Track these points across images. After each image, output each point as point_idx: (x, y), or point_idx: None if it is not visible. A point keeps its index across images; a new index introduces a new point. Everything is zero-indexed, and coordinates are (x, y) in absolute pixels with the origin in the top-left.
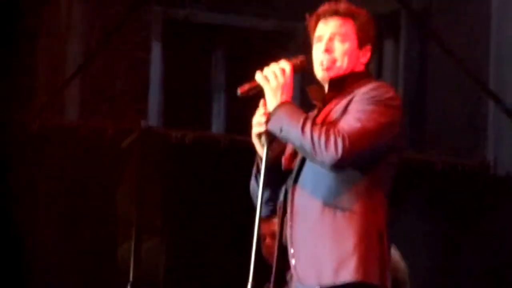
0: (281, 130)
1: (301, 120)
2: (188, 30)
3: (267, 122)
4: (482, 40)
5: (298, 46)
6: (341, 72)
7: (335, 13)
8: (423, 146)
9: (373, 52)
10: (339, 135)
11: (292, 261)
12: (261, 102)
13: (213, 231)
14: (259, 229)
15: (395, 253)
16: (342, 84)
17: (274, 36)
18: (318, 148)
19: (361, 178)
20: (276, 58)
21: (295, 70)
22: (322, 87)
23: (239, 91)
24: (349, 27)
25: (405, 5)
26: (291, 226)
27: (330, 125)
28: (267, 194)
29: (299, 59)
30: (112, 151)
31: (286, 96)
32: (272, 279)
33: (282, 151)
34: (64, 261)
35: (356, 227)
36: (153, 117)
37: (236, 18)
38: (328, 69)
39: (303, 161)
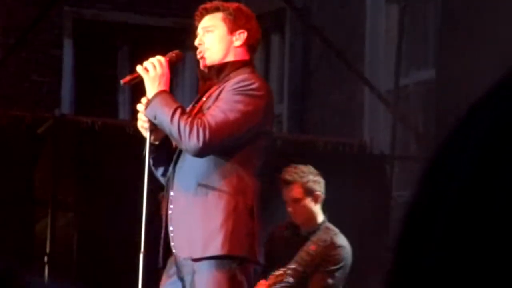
0: (155, 117)
1: (172, 109)
2: (96, 28)
3: (145, 109)
4: (358, 33)
5: (192, 41)
6: (215, 58)
7: (205, 11)
8: (307, 130)
9: (252, 35)
10: (201, 125)
11: (171, 235)
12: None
13: (119, 207)
14: (147, 204)
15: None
16: (218, 74)
17: (171, 32)
18: (183, 136)
19: (230, 161)
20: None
21: (171, 62)
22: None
23: (122, 81)
24: (216, 19)
25: (288, 3)
26: (171, 204)
27: (197, 115)
28: (162, 169)
29: (174, 53)
30: (30, 137)
31: (163, 86)
32: (161, 249)
33: None
34: None
35: (225, 205)
36: (66, 106)
37: (138, 16)
38: (202, 58)
39: None
